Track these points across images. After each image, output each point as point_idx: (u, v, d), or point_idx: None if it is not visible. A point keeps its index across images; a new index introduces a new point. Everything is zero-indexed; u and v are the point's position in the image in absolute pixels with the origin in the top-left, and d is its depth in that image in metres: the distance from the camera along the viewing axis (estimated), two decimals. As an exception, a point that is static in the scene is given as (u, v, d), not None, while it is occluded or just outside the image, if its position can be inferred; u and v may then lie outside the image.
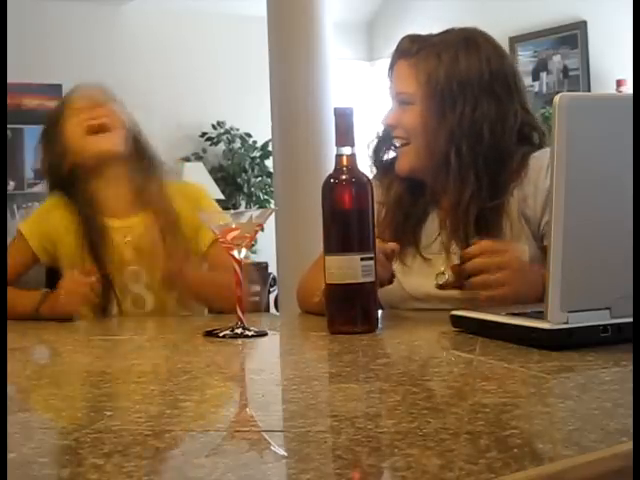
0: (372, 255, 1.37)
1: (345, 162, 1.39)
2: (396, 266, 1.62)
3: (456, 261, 1.55)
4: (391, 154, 1.75)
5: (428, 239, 1.68)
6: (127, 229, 1.95)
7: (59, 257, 1.98)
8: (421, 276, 1.65)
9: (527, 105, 1.66)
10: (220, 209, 2.06)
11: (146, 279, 1.94)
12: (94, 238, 1.92)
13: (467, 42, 1.63)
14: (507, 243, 1.56)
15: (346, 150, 1.39)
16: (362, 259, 1.35)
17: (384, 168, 1.74)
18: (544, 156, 1.57)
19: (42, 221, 1.99)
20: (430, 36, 1.68)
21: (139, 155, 1.98)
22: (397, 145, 1.68)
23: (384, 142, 1.74)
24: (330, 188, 1.40)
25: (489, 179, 1.59)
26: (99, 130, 1.93)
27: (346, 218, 1.38)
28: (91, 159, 1.93)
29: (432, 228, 1.69)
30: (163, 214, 1.93)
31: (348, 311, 1.38)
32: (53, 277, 1.98)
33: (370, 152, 1.76)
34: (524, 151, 1.63)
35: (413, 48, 1.65)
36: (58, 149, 1.96)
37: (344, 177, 1.38)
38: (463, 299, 1.54)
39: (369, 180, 1.41)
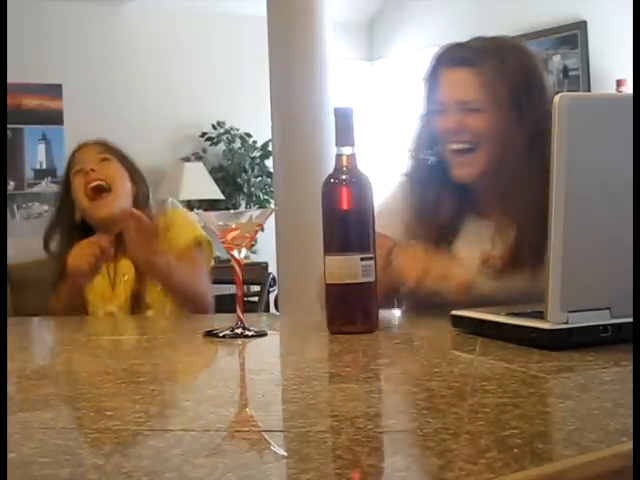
0: (372, 255, 1.37)
1: (345, 162, 1.39)
2: None
3: None
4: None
5: (465, 245, 1.66)
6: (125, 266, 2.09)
7: None
8: None
9: None
10: (199, 231, 2.17)
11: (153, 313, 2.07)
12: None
13: (519, 47, 1.67)
14: None
15: (346, 150, 1.39)
16: (362, 259, 1.35)
17: (426, 168, 1.72)
18: None
19: None
20: (478, 42, 1.68)
21: (136, 204, 2.12)
22: (457, 149, 1.64)
23: (426, 146, 1.71)
24: (330, 188, 1.40)
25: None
26: (98, 192, 2.08)
27: (346, 218, 1.38)
28: (93, 221, 2.11)
29: (469, 235, 1.67)
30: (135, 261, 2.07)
31: (348, 311, 1.38)
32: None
33: (412, 148, 1.73)
34: None
35: (471, 55, 1.64)
36: (69, 208, 2.15)
37: (344, 177, 1.38)
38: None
39: (369, 180, 1.41)
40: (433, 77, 1.69)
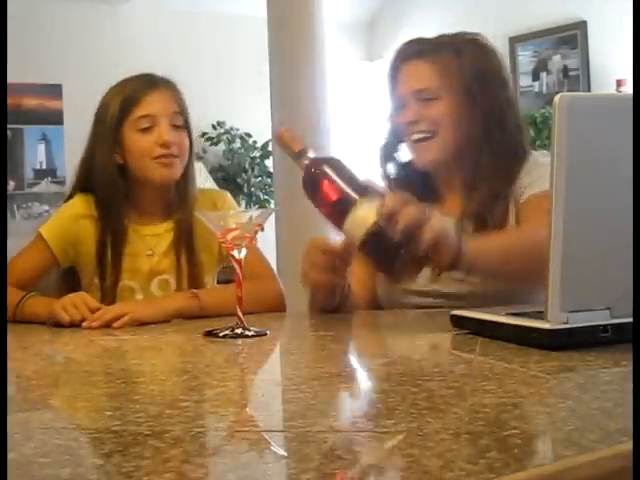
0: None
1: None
2: None
3: None
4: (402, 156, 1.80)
5: None
6: (154, 237, 1.91)
7: (80, 263, 1.93)
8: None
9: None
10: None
11: (174, 287, 1.90)
12: (119, 246, 1.88)
13: (476, 41, 1.74)
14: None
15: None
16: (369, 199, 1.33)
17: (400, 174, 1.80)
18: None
19: (67, 227, 1.90)
20: (437, 37, 1.76)
21: (185, 171, 1.91)
22: (417, 139, 1.71)
23: (394, 143, 1.79)
24: (311, 181, 1.39)
25: (507, 170, 1.67)
26: (166, 158, 1.86)
27: (338, 198, 1.37)
28: (150, 182, 1.88)
29: None
30: (185, 224, 1.90)
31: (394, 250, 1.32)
32: (69, 281, 1.94)
33: (382, 159, 1.81)
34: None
35: (426, 48, 1.72)
36: (113, 152, 1.88)
37: (310, 163, 1.39)
38: (459, 293, 1.60)
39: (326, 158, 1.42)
40: (394, 74, 1.76)
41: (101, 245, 1.88)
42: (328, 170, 1.38)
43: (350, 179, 1.39)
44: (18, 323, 1.73)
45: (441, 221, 1.31)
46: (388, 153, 1.81)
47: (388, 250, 1.31)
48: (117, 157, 1.88)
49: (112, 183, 1.88)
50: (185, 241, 1.90)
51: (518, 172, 1.67)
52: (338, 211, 1.35)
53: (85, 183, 1.93)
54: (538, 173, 1.65)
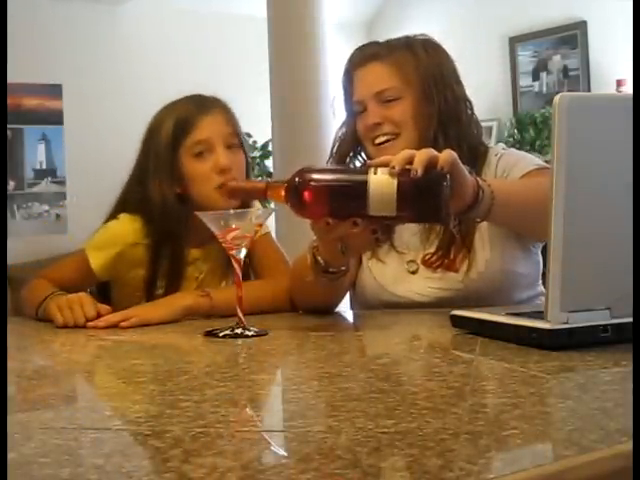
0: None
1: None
2: (370, 262, 1.72)
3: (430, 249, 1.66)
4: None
5: (400, 233, 1.71)
6: (204, 261, 1.88)
7: (120, 281, 1.88)
8: (396, 270, 1.70)
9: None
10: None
11: None
12: (177, 276, 1.84)
13: (428, 41, 1.73)
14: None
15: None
16: (374, 172, 1.30)
17: None
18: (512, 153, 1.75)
19: (114, 254, 1.82)
20: (390, 40, 1.75)
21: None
22: (382, 141, 1.68)
23: (352, 148, 1.76)
24: (299, 193, 1.34)
25: (470, 163, 1.62)
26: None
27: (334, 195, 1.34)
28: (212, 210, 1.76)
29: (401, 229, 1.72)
30: None
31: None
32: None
33: (335, 158, 1.77)
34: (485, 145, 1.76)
35: (381, 50, 1.70)
36: (172, 181, 1.82)
37: (290, 178, 1.35)
38: (441, 301, 1.62)
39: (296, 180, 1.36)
40: (349, 80, 1.74)
41: (153, 272, 1.83)
42: (313, 174, 1.34)
43: (339, 170, 1.37)
44: (18, 323, 1.73)
45: (449, 151, 1.32)
46: (341, 160, 1.76)
47: (425, 198, 1.28)
48: (175, 186, 1.83)
49: (174, 214, 1.81)
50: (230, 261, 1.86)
51: (480, 167, 1.67)
52: (348, 201, 1.31)
53: (134, 207, 1.85)
54: (511, 159, 1.68)
